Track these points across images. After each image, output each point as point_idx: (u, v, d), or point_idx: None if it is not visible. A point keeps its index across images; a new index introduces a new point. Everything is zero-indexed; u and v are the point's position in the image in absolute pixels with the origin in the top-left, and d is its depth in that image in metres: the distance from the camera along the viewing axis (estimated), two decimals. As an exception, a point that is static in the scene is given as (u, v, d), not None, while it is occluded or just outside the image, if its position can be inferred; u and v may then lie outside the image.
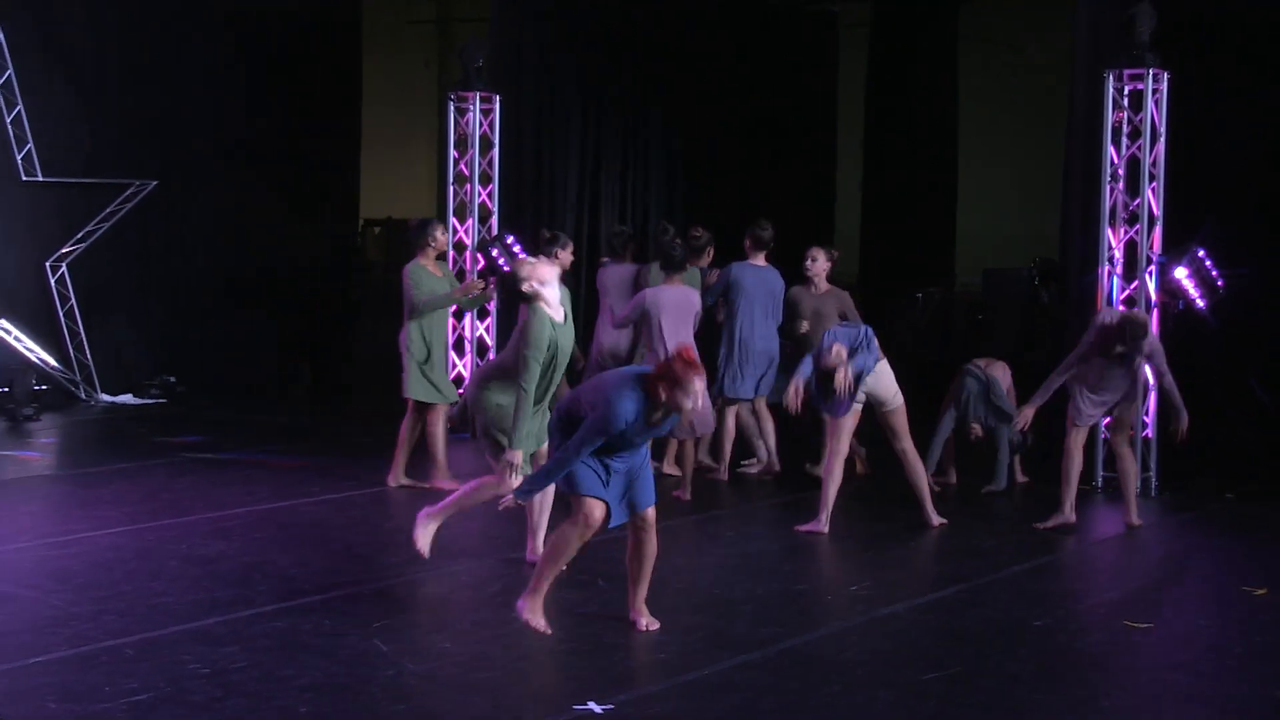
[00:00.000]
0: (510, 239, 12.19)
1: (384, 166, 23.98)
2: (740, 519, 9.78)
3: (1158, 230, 10.63)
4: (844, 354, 8.84)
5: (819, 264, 10.90)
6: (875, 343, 9.07)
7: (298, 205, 16.17)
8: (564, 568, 7.03)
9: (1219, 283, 10.57)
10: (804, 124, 18.91)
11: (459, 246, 13.28)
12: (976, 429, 10.50)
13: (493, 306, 13.03)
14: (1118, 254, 10.74)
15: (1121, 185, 10.71)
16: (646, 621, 6.82)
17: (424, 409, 10.18)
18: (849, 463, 9.42)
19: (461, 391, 11.26)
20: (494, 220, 13.23)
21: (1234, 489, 10.67)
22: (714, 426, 10.54)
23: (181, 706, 5.70)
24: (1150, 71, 10.55)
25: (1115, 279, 10.70)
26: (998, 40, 23.61)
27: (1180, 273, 10.40)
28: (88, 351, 14.59)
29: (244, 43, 15.89)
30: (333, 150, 16.87)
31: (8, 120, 13.90)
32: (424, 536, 7.63)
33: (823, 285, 10.91)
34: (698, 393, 6.36)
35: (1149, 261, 10.56)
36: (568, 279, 9.16)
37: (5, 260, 14.26)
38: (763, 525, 9.69)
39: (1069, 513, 9.34)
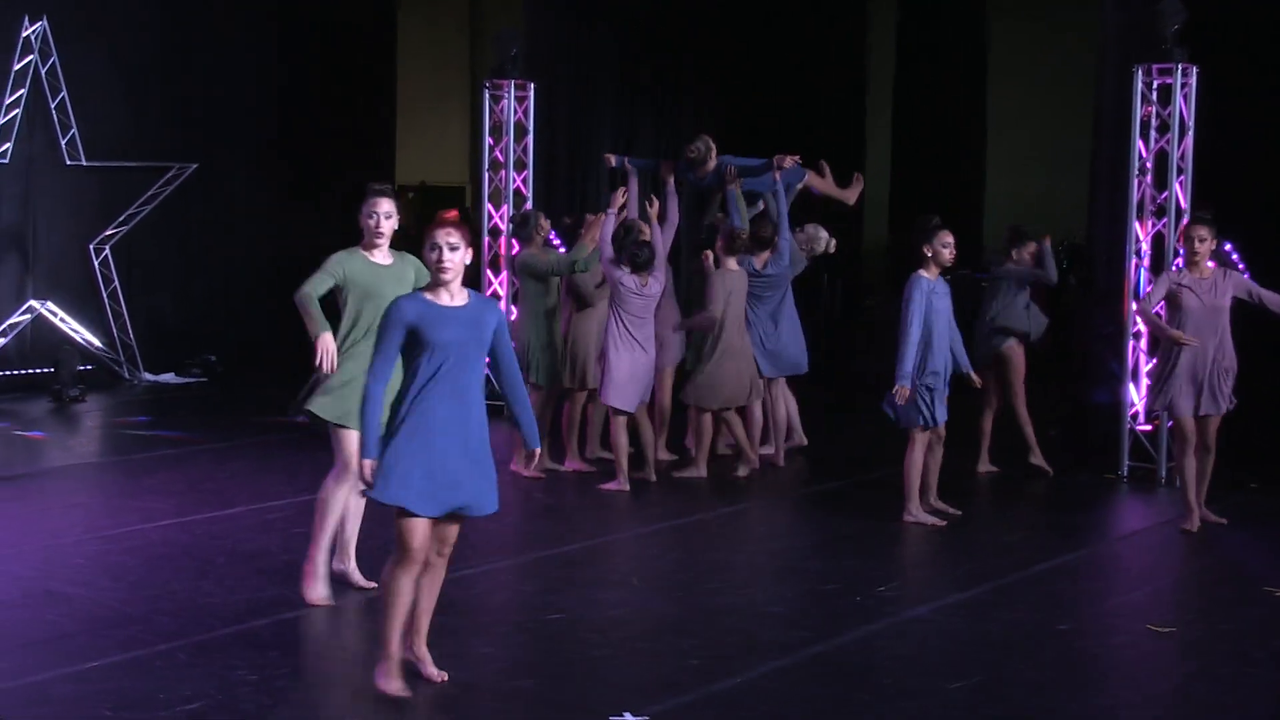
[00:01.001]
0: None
1: (417, 131, 23.80)
2: (768, 511, 9.92)
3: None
4: None
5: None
6: None
7: (335, 179, 16.31)
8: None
9: (1245, 276, 10.60)
10: (835, 101, 18.94)
11: (494, 231, 13.41)
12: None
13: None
14: (1145, 247, 10.79)
15: (1149, 179, 10.76)
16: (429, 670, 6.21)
17: (556, 392, 10.53)
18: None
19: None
20: (528, 205, 13.34)
21: (1257, 479, 10.73)
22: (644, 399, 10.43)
23: (233, 715, 5.87)
24: (1179, 66, 10.58)
25: (1143, 271, 10.76)
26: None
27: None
28: (130, 332, 14.80)
29: (280, 22, 16.06)
30: (369, 122, 17.16)
31: (52, 106, 14.07)
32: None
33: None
34: (435, 242, 5.83)
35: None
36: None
37: (50, 243, 14.47)
38: (791, 518, 9.82)
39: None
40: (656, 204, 10.51)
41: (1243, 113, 11.97)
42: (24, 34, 13.80)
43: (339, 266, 7.17)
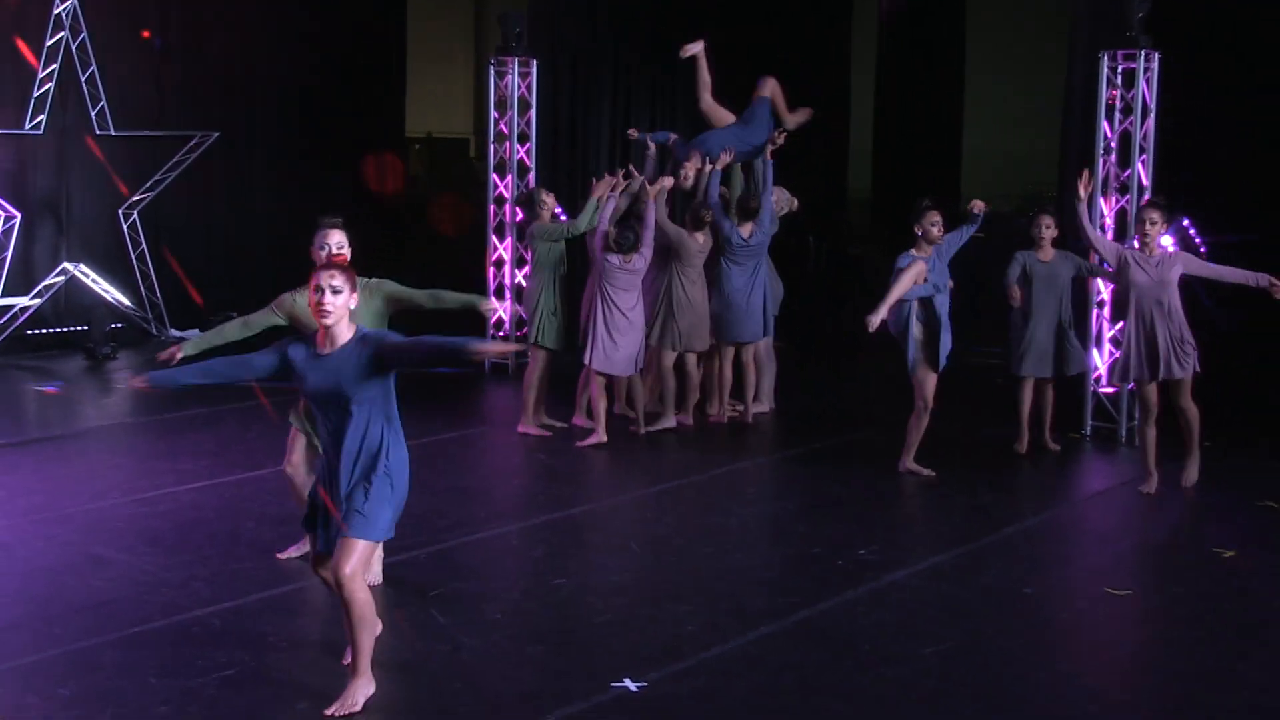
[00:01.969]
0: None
1: (422, 81, 23.52)
2: (758, 472, 10.06)
3: (1146, 199, 10.75)
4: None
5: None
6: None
7: (345, 134, 16.34)
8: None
9: (1202, 249, 10.73)
10: (820, 66, 18.84)
11: (499, 200, 13.47)
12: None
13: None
14: (1109, 221, 10.89)
15: (1114, 158, 10.84)
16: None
17: (549, 355, 10.61)
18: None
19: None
20: (531, 176, 13.40)
21: (1213, 437, 10.83)
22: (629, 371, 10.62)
23: (266, 684, 6.00)
24: (1143, 52, 10.64)
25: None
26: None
27: (1166, 240, 10.52)
28: (158, 291, 14.88)
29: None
30: (379, 76, 17.14)
31: (82, 79, 14.06)
32: None
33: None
34: (319, 284, 5.58)
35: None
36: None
37: (83, 209, 14.52)
38: (781, 479, 9.96)
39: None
40: (660, 182, 10.72)
41: (1202, 96, 12.03)
42: (55, 11, 13.78)
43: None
